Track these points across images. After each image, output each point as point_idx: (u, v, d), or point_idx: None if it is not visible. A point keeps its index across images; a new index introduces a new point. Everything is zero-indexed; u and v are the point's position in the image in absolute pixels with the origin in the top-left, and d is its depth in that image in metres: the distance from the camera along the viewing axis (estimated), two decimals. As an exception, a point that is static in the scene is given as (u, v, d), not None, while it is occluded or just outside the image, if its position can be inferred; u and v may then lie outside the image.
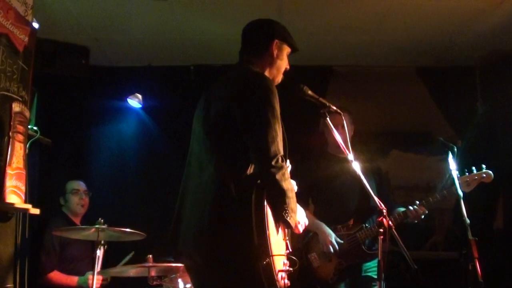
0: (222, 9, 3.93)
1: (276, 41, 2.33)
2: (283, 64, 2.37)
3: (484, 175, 3.22)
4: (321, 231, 3.35)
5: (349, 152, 2.43)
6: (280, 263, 2.03)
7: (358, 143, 3.26)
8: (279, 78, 2.39)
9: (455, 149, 3.05)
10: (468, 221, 2.81)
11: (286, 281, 2.04)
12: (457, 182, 3.00)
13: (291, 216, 2.05)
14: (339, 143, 2.47)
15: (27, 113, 3.06)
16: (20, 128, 2.97)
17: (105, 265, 3.58)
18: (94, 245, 3.34)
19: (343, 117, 2.59)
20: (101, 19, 4.14)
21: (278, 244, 2.07)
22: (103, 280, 3.76)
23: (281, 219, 2.05)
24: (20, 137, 2.98)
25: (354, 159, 2.41)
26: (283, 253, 2.10)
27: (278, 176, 1.98)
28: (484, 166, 3.23)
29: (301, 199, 2.33)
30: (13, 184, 2.86)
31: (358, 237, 3.32)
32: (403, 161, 5.21)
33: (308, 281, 3.38)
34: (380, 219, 2.27)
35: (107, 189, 4.75)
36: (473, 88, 4.96)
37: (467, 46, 4.57)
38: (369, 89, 5.03)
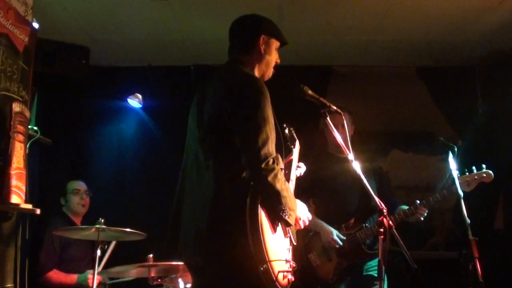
0: (222, 9, 3.93)
1: (262, 36, 2.32)
2: (273, 59, 2.37)
3: (484, 175, 3.23)
4: (322, 229, 3.36)
5: (350, 152, 2.42)
6: (280, 263, 2.03)
7: (358, 143, 3.25)
8: (269, 73, 2.39)
9: (456, 149, 3.05)
10: (468, 221, 2.81)
11: (290, 276, 2.05)
12: (457, 181, 3.00)
13: (290, 215, 2.05)
14: (340, 143, 2.47)
15: (27, 113, 3.06)
16: (20, 128, 2.97)
17: (108, 265, 3.58)
18: (94, 245, 3.33)
19: (343, 117, 2.59)
20: (101, 19, 4.15)
21: (277, 244, 2.06)
22: (99, 283, 3.74)
23: (280, 219, 2.05)
24: (20, 137, 2.97)
25: (354, 159, 2.41)
26: (284, 252, 2.10)
27: (270, 178, 1.98)
28: (484, 166, 3.24)
29: (302, 199, 2.34)
30: (13, 184, 2.86)
31: (358, 237, 3.33)
32: (403, 161, 5.21)
33: (309, 281, 3.38)
34: (380, 218, 2.27)
35: (107, 189, 4.75)
36: (473, 88, 4.95)
37: (467, 46, 4.58)
38: (369, 89, 5.02)
